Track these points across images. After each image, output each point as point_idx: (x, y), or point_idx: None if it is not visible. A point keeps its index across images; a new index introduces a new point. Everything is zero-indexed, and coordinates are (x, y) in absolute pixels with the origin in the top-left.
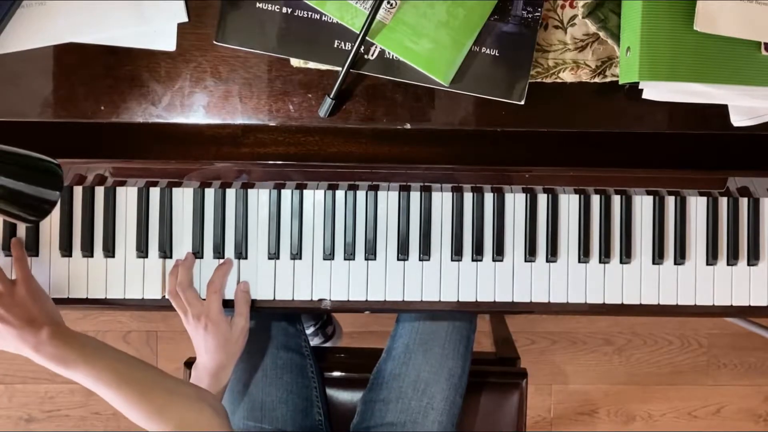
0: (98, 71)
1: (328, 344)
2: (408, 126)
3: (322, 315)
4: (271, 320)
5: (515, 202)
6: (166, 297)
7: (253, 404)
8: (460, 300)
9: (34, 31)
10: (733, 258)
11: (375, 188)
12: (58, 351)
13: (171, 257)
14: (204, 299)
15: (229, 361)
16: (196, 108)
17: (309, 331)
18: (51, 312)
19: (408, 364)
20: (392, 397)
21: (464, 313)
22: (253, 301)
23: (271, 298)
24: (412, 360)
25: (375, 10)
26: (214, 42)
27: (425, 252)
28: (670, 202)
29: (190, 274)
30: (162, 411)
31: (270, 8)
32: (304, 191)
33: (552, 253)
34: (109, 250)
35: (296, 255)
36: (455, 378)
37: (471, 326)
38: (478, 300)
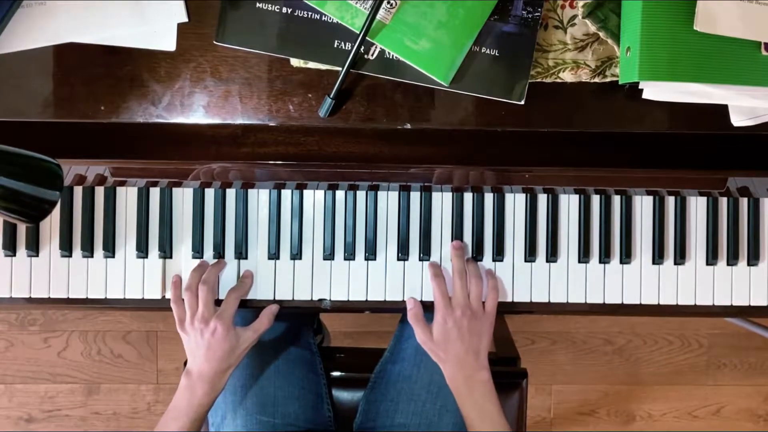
0: (98, 71)
1: None
2: (408, 126)
3: (313, 322)
4: (282, 318)
5: (515, 202)
6: (183, 291)
7: (265, 399)
8: None
9: (34, 31)
10: (733, 258)
11: (375, 188)
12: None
13: (171, 257)
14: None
15: (228, 370)
16: (196, 108)
17: None
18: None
19: (419, 367)
20: (402, 398)
21: None
22: (253, 301)
23: (271, 298)
24: (423, 362)
25: (375, 10)
26: (214, 42)
27: (425, 252)
28: (670, 202)
29: (217, 277)
30: None
31: (270, 8)
32: (304, 191)
33: (552, 253)
34: (109, 250)
35: (296, 255)
36: None
37: None
38: None
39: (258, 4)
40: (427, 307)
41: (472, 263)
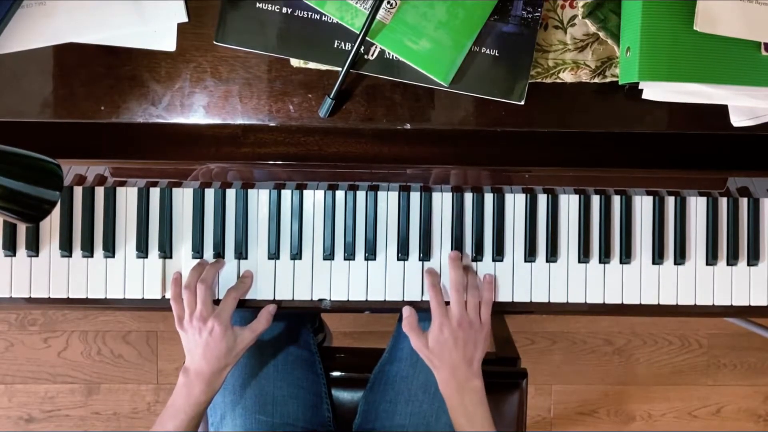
0: (98, 71)
1: None
2: (408, 126)
3: (315, 321)
4: (282, 317)
5: (515, 202)
6: (183, 289)
7: (264, 398)
8: None
9: (34, 31)
10: (733, 258)
11: (375, 188)
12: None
13: (171, 257)
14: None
15: (225, 369)
16: (196, 108)
17: None
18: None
19: (416, 367)
20: (400, 399)
21: None
22: (253, 301)
23: (271, 298)
24: (420, 361)
25: (375, 10)
26: (214, 42)
27: (425, 252)
28: (670, 202)
29: (216, 276)
30: None
31: (270, 8)
32: (304, 191)
33: (552, 253)
34: (109, 250)
35: (296, 255)
36: None
37: None
38: None
39: (258, 4)
40: (426, 309)
41: (471, 273)
